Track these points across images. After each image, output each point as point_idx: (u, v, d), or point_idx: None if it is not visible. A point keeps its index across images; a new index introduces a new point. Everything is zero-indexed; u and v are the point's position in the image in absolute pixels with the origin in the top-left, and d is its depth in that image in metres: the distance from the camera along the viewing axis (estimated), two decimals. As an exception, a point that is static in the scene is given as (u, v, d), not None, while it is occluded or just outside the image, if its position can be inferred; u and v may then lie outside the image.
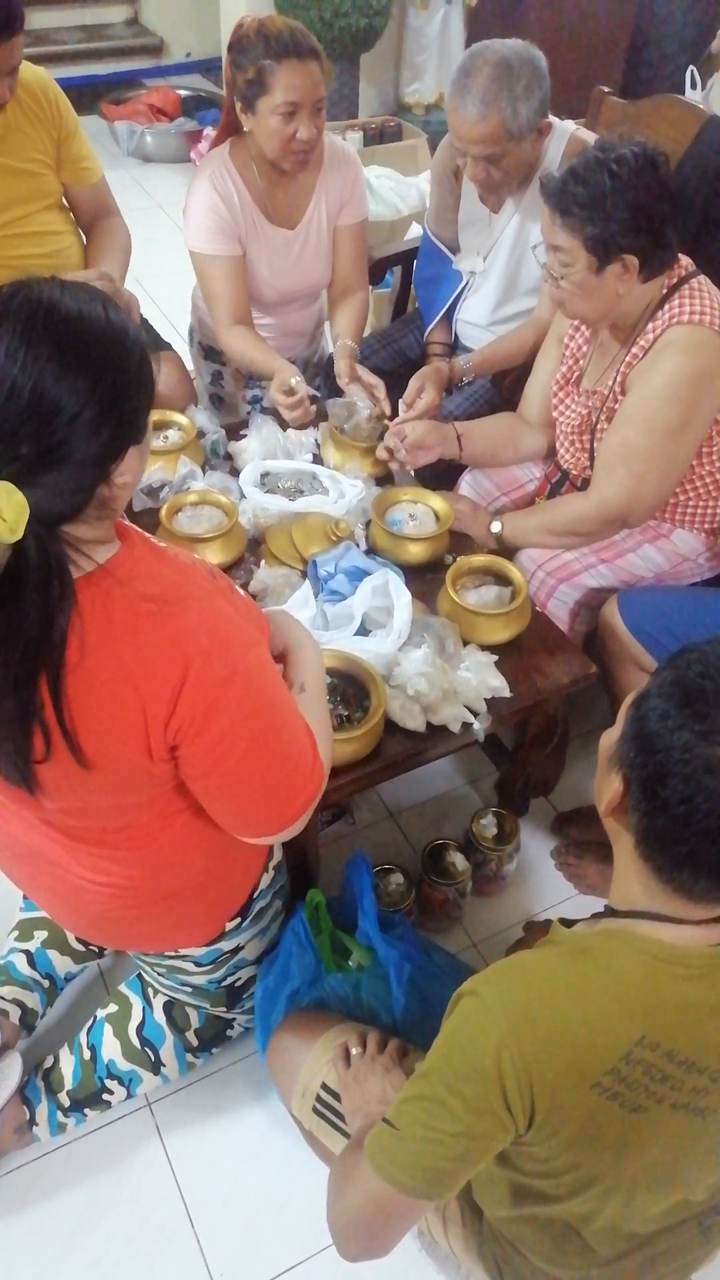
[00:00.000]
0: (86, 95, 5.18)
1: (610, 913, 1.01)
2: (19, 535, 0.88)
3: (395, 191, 3.58)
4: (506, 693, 1.65)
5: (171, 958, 1.46)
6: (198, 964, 1.48)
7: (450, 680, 1.61)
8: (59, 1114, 1.56)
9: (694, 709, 0.87)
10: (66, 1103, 1.56)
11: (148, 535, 1.13)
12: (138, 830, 1.23)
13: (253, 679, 1.09)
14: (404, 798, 2.13)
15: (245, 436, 2.10)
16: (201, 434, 2.10)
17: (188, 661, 1.04)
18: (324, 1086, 1.39)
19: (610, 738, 0.99)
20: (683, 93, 3.59)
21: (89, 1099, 1.56)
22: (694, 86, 3.63)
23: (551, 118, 2.05)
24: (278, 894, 1.55)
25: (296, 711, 1.19)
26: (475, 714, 1.62)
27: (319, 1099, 1.39)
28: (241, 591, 1.22)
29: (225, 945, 1.47)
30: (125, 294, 2.14)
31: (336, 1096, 1.37)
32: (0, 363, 0.88)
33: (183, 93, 5.07)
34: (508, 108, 1.91)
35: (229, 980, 1.54)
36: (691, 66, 3.64)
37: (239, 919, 1.45)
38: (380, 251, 2.75)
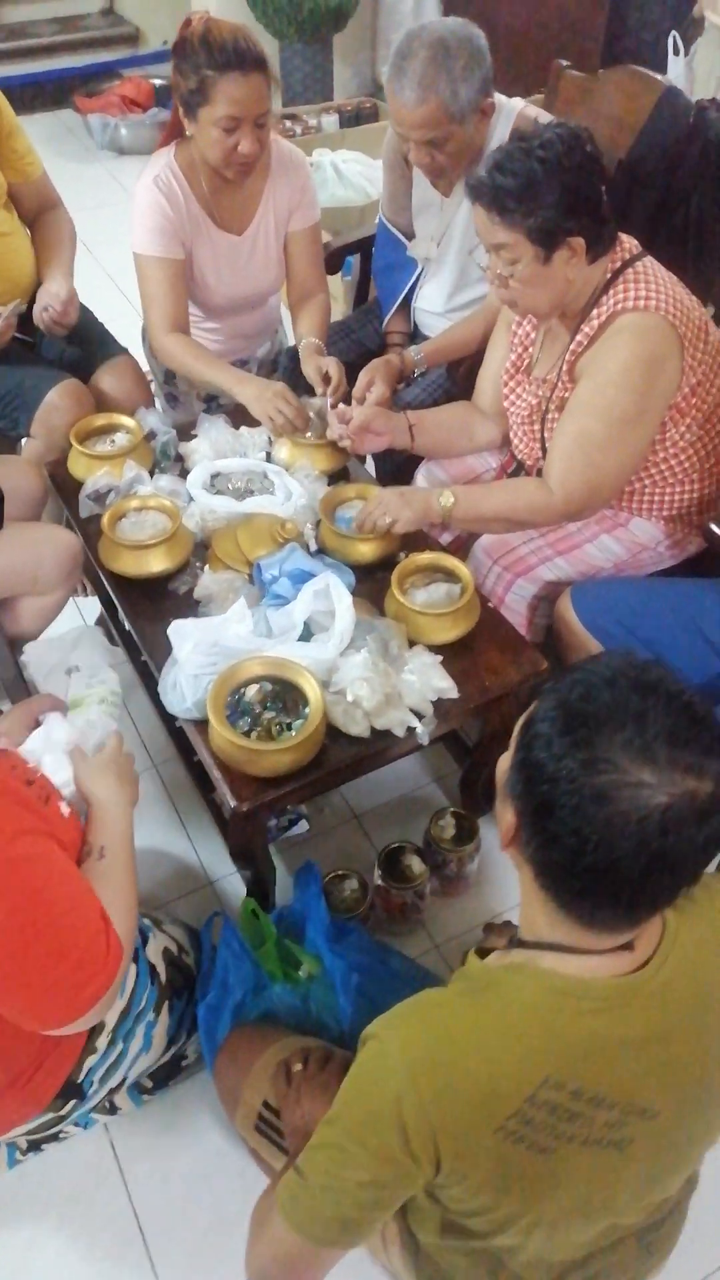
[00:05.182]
0: (63, 89, 5.14)
1: (519, 944, 0.98)
2: None
3: (364, 175, 3.52)
4: (454, 694, 1.61)
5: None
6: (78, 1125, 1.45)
7: (393, 684, 1.57)
8: (17, 1153, 1.54)
9: (575, 736, 0.83)
10: (24, 1145, 1.54)
11: None
12: None
13: (16, 869, 1.06)
14: (367, 799, 2.09)
15: (196, 437, 2.06)
16: (152, 435, 2.06)
17: None
18: (265, 1104, 1.36)
19: (505, 763, 0.94)
20: (667, 59, 3.51)
21: (45, 1139, 1.54)
22: (676, 52, 3.54)
23: (498, 96, 1.99)
24: (128, 1035, 1.44)
25: (84, 896, 1.14)
26: (421, 717, 1.58)
27: (260, 1117, 1.37)
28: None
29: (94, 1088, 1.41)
30: (69, 295, 2.12)
31: (278, 1114, 1.35)
32: None
33: (157, 82, 4.99)
34: (446, 89, 1.85)
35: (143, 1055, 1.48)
36: (674, 32, 3.55)
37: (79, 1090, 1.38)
38: (346, 237, 2.69)
